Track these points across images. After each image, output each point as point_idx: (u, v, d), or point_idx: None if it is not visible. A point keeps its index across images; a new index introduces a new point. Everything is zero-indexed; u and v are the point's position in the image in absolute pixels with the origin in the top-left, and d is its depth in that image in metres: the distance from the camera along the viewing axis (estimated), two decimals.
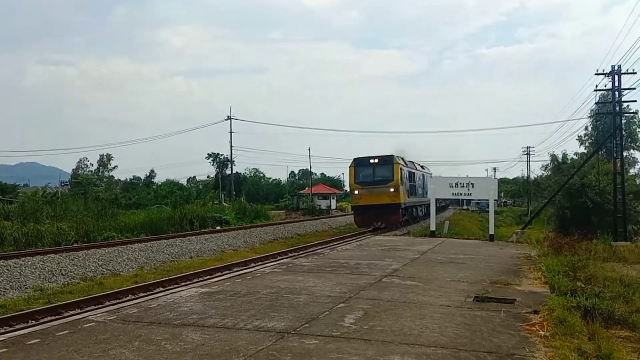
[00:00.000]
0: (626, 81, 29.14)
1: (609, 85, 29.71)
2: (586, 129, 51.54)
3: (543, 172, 58.09)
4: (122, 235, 24.71)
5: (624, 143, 37.23)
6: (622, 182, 29.31)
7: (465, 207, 78.26)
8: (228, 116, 56.11)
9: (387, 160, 30.66)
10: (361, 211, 30.98)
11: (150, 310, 6.82)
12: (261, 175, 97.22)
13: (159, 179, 74.18)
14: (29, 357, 4.83)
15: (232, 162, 62.32)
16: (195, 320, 6.19)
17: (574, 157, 48.33)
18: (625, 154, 40.09)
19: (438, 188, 21.70)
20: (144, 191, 60.34)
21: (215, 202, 47.10)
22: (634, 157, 53.09)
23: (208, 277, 13.88)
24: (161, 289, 12.55)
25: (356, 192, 31.04)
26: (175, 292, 8.45)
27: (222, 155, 76.21)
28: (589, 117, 45.86)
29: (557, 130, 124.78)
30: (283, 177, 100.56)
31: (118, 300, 11.06)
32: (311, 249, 19.77)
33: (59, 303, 11.28)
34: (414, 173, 35.85)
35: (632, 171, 47.69)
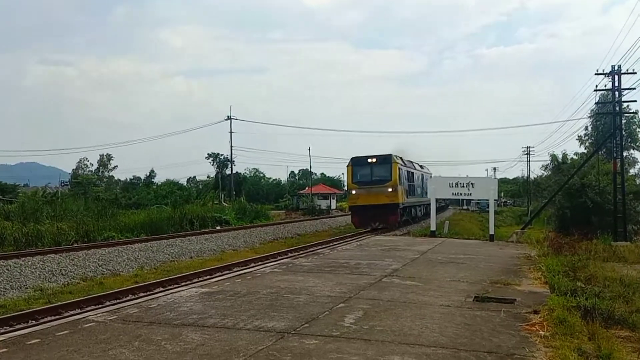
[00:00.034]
0: (626, 81, 29.21)
1: (609, 85, 29.73)
2: (586, 129, 51.65)
3: (543, 172, 58.27)
4: (122, 235, 24.70)
5: (624, 143, 37.24)
6: (622, 182, 29.31)
7: (465, 207, 78.24)
8: (228, 116, 56.25)
9: (385, 160, 30.26)
10: (359, 211, 30.46)
11: (150, 310, 6.82)
12: (261, 175, 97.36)
13: (159, 179, 74.27)
14: (29, 357, 4.83)
15: (232, 162, 62.46)
16: (195, 320, 6.19)
17: (574, 157, 48.43)
18: (625, 154, 40.12)
19: (438, 188, 21.69)
20: (144, 191, 60.34)
21: (215, 202, 47.12)
22: (634, 157, 53.20)
23: (208, 277, 13.87)
24: (161, 289, 12.55)
25: (353, 192, 30.53)
26: (176, 292, 8.46)
27: (222, 155, 76.44)
28: (589, 117, 45.93)
29: (557, 130, 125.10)
30: (283, 177, 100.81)
31: (118, 300, 11.05)
32: (311, 249, 19.76)
33: (59, 303, 11.28)
34: (412, 173, 35.51)
35: (632, 171, 47.76)
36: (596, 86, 30.39)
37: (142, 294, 11.73)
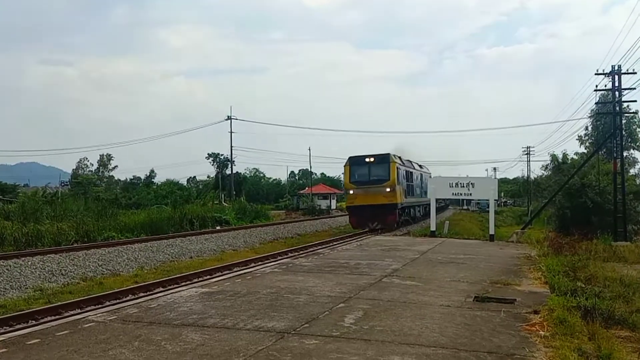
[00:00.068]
0: (626, 81, 29.23)
1: (609, 85, 29.75)
2: (586, 129, 51.68)
3: (543, 172, 58.29)
4: (122, 235, 24.70)
5: (624, 143, 37.26)
6: (622, 182, 29.32)
7: (465, 207, 78.28)
8: (228, 116, 56.33)
9: (383, 159, 29.81)
10: (356, 212, 29.96)
11: (150, 310, 6.82)
12: (261, 175, 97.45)
13: (159, 179, 74.29)
14: (29, 357, 4.83)
15: (232, 162, 62.51)
16: (195, 320, 6.19)
17: (574, 157, 48.49)
18: (625, 154, 40.14)
19: (438, 188, 21.70)
20: (144, 191, 60.33)
21: (215, 202, 47.13)
22: (634, 157, 53.24)
23: (208, 277, 13.87)
24: (161, 289, 12.54)
25: (351, 192, 30.08)
26: (175, 292, 8.46)
27: (222, 155, 76.48)
28: (589, 117, 45.95)
29: (557, 130, 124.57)
30: (283, 177, 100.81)
31: (118, 300, 11.05)
32: (311, 249, 19.76)
33: (59, 303, 11.27)
34: (411, 172, 35.13)
35: (632, 171, 47.78)
36: (596, 86, 30.44)
37: (142, 294, 11.73)
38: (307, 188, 75.49)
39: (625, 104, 30.37)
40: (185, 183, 79.99)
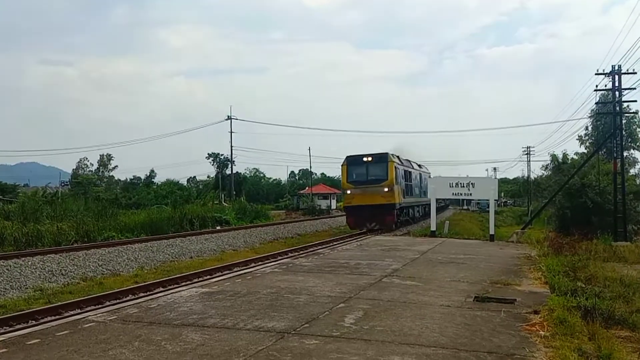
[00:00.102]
0: (626, 81, 29.23)
1: (609, 85, 29.75)
2: (586, 129, 51.72)
3: (543, 172, 58.33)
4: (122, 235, 24.70)
5: (624, 143, 37.27)
6: (622, 182, 29.32)
7: (465, 207, 78.29)
8: (228, 116, 56.36)
9: (381, 159, 29.39)
10: (354, 212, 29.56)
11: (150, 310, 6.82)
12: (261, 175, 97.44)
13: (159, 179, 74.25)
14: (29, 357, 4.83)
15: (232, 162, 62.57)
16: (195, 320, 6.19)
17: (574, 157, 48.51)
18: (625, 154, 40.16)
19: (438, 188, 21.69)
20: (144, 191, 60.31)
21: (215, 202, 47.12)
22: (634, 157, 53.28)
23: (208, 277, 13.87)
24: (161, 289, 12.54)
25: (348, 191, 29.61)
26: (176, 292, 8.45)
27: (222, 155, 76.49)
28: (589, 117, 45.99)
29: (557, 130, 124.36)
30: (283, 177, 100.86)
31: (118, 300, 11.05)
32: (311, 249, 19.75)
33: (59, 303, 11.27)
34: (410, 172, 34.81)
35: (632, 171, 47.82)
36: (596, 86, 30.45)
37: (142, 294, 11.73)
38: (307, 188, 75.49)
39: (625, 104, 30.38)
40: (185, 183, 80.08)
